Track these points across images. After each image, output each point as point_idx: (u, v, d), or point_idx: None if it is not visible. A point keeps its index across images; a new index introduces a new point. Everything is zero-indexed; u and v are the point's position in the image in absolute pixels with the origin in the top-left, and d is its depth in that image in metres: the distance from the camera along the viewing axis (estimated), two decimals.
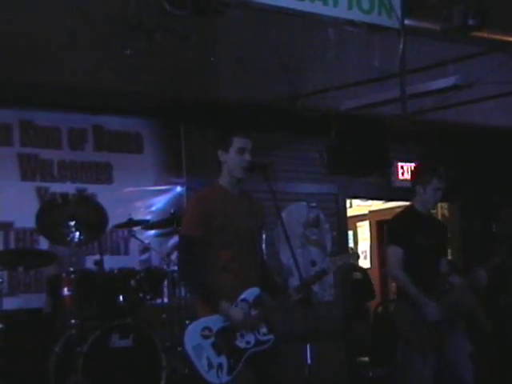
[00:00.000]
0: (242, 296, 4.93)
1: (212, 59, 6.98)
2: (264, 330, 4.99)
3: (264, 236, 6.26)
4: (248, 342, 4.92)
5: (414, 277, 6.10)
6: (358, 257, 5.45)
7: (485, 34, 7.36)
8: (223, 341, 4.85)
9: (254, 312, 4.93)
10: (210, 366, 4.81)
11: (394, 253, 6.24)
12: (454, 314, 6.19)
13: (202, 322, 4.92)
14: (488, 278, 6.15)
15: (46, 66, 6.85)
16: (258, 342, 4.94)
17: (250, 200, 5.20)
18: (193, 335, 4.87)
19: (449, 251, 10.09)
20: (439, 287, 6.18)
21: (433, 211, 6.56)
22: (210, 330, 4.86)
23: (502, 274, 8.34)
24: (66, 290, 6.62)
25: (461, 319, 6.32)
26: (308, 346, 4.93)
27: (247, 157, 5.04)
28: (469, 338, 6.45)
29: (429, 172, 6.43)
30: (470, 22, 6.30)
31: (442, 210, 10.83)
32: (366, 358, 9.20)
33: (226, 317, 4.85)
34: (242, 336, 4.91)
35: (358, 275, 10.68)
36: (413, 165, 9.88)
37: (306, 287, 4.94)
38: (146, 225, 7.56)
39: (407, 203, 6.52)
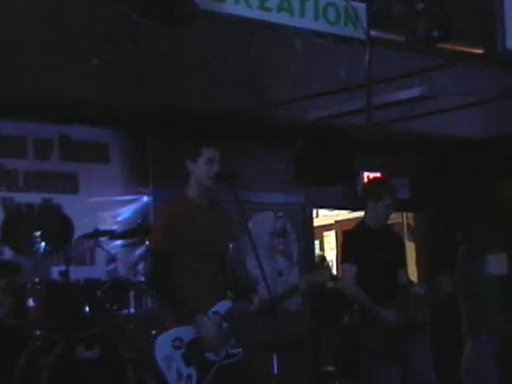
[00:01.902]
0: (214, 308, 4.93)
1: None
2: (234, 342, 5.00)
3: (231, 246, 6.26)
4: (218, 355, 4.92)
5: (371, 292, 6.13)
6: (331, 275, 5.46)
7: (449, 46, 7.44)
8: (194, 352, 4.85)
9: (225, 325, 4.94)
10: (179, 376, 4.81)
11: (348, 270, 6.27)
12: (415, 324, 6.23)
13: (173, 332, 4.91)
14: (452, 286, 6.21)
15: (13, 75, 6.81)
16: (227, 355, 4.95)
17: (218, 211, 5.21)
18: (163, 346, 4.87)
19: (413, 261, 10.22)
20: (399, 299, 6.21)
21: (397, 221, 6.60)
22: (181, 340, 4.86)
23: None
24: (30, 302, 6.57)
25: (424, 330, 6.36)
26: (275, 355, 4.93)
27: (215, 168, 5.06)
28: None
29: (381, 188, 6.44)
30: (435, 33, 6.36)
31: (407, 219, 10.90)
32: (333, 368, 9.21)
33: (199, 330, 4.85)
34: (221, 334, 4.90)
35: (330, 284, 10.72)
36: (378, 174, 9.94)
37: (275, 303, 4.95)
38: (113, 235, 7.53)
39: None
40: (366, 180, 9.86)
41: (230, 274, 5.23)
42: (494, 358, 7.33)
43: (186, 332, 4.88)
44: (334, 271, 12.68)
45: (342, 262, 6.40)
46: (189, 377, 4.82)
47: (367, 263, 6.19)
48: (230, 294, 5.20)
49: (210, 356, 4.89)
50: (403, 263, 6.63)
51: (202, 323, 4.83)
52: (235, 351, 4.98)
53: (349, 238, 6.54)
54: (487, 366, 7.31)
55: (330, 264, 12.86)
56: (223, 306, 4.98)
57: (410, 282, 6.61)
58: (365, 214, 6.43)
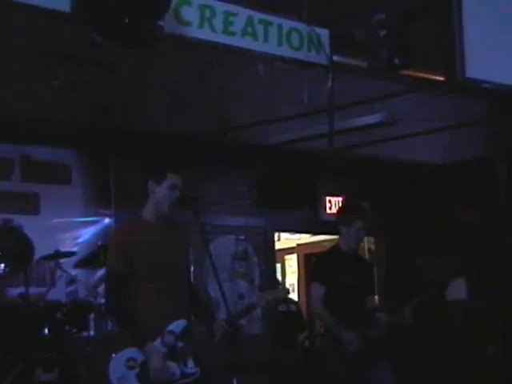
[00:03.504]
0: (170, 327, 4.93)
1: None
2: (190, 362, 4.98)
3: (192, 268, 6.26)
4: (173, 374, 4.91)
5: (337, 315, 6.18)
6: (288, 292, 5.49)
7: (410, 73, 7.52)
8: (148, 372, 4.83)
9: (180, 344, 4.93)
10: None
11: (316, 290, 6.33)
12: (377, 348, 6.28)
13: (127, 352, 4.90)
14: (413, 317, 6.27)
15: None
16: (183, 375, 4.93)
17: (175, 229, 5.20)
18: (117, 366, 4.85)
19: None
20: (365, 323, 6.25)
21: (358, 246, 6.66)
22: (134, 360, 4.85)
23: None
24: None
25: (384, 355, 6.40)
26: (235, 379, 4.93)
27: (177, 193, 5.08)
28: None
29: (352, 212, 6.52)
30: (396, 60, 6.43)
31: (368, 243, 10.97)
32: None
33: (148, 358, 4.84)
34: (167, 368, 4.89)
35: (292, 307, 10.74)
36: (340, 199, 10.00)
37: (233, 321, 4.95)
38: (73, 260, 7.47)
39: (335, 237, 6.60)
40: (327, 203, 9.93)
41: (192, 295, 5.23)
42: None
43: (139, 352, 4.87)
44: (296, 295, 12.73)
45: (311, 281, 6.45)
46: None
47: (337, 285, 6.24)
48: (191, 316, 5.20)
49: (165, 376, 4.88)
50: (372, 289, 6.70)
51: (149, 355, 4.83)
52: (192, 371, 4.97)
53: (320, 259, 6.63)
54: None
55: (291, 288, 12.87)
56: (178, 325, 4.97)
57: (377, 309, 6.67)
58: (339, 238, 6.50)
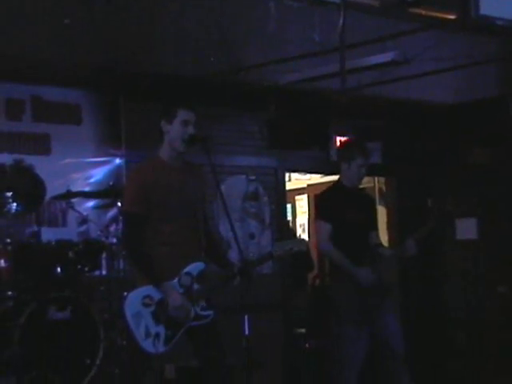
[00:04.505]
0: (187, 269, 4.96)
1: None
2: (204, 305, 5.03)
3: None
4: (187, 316, 4.95)
5: (343, 250, 6.20)
6: (306, 244, 5.50)
7: (423, 11, 7.44)
8: (163, 310, 4.88)
9: (196, 286, 4.97)
10: (148, 334, 4.85)
11: (323, 228, 6.35)
12: (383, 284, 6.32)
13: (144, 290, 4.95)
14: (417, 248, 6.28)
15: None
16: (196, 317, 4.98)
17: (192, 171, 5.21)
18: (133, 303, 4.90)
19: (385, 225, 10.29)
20: (368, 258, 6.28)
21: (369, 185, 6.67)
22: (151, 298, 4.90)
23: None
24: (2, 262, 6.56)
25: (390, 290, 6.45)
26: (246, 317, 4.97)
27: (190, 129, 5.06)
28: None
29: (353, 149, 6.52)
30: None
31: (379, 184, 10.96)
32: (303, 330, 9.30)
33: (165, 296, 4.87)
34: (187, 306, 4.93)
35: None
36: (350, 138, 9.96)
37: (249, 268, 4.98)
38: (85, 194, 7.52)
39: None
40: (338, 143, 9.89)
41: (208, 236, 5.25)
42: None
43: (156, 290, 4.91)
44: (306, 235, 12.77)
45: (316, 219, 6.46)
46: (157, 335, 4.86)
47: (340, 222, 6.26)
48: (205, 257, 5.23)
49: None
50: (375, 225, 6.71)
51: (168, 293, 4.86)
52: (205, 313, 5.01)
53: (324, 196, 6.62)
54: None
55: (302, 228, 12.92)
56: (196, 267, 5.00)
57: (380, 244, 6.69)
58: (340, 175, 6.50)
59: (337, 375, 6.44)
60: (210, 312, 5.04)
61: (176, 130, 5.06)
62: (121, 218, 6.76)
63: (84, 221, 7.73)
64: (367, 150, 6.56)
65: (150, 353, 4.89)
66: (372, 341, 6.32)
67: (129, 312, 4.88)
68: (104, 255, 7.18)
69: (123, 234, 5.29)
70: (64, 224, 7.88)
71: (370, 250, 6.39)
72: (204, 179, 5.27)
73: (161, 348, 4.89)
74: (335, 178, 6.77)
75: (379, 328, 6.29)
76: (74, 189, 7.36)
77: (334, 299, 6.38)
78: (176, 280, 4.93)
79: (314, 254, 10.36)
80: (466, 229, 6.69)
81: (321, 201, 6.68)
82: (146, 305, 4.89)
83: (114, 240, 7.17)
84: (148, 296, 4.90)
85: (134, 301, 4.90)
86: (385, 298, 6.33)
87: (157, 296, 4.90)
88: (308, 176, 12.31)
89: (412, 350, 6.50)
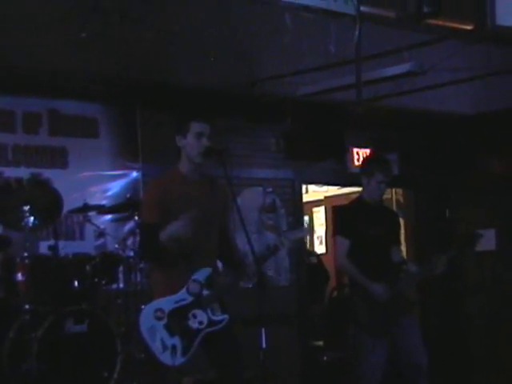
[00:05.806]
0: (194, 276, 4.97)
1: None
2: (218, 310, 5.02)
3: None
4: (201, 323, 4.95)
5: (363, 266, 6.17)
6: (309, 231, 5.50)
7: (440, 22, 7.42)
8: (175, 322, 4.88)
9: (206, 292, 4.97)
10: (164, 347, 4.85)
11: (341, 243, 6.32)
12: (405, 301, 6.28)
13: (155, 304, 4.96)
14: (446, 267, 6.24)
15: (1, 48, 6.77)
16: (211, 323, 4.97)
17: (212, 184, 5.21)
18: (146, 317, 4.91)
19: (402, 236, 10.24)
20: (391, 275, 6.24)
21: (387, 197, 6.63)
22: (162, 311, 4.91)
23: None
24: (19, 275, 6.57)
25: (412, 307, 6.41)
26: (263, 330, 4.95)
27: (205, 142, 5.06)
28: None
29: (372, 165, 6.48)
30: (425, 9, 6.36)
31: (396, 196, 10.92)
32: (321, 343, 9.26)
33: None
34: (195, 316, 4.93)
35: (313, 259, 10.76)
36: (368, 151, 9.94)
37: (259, 263, 4.98)
38: (102, 209, 7.52)
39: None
40: (355, 156, 9.88)
41: (230, 247, 5.27)
42: None
43: (166, 303, 4.92)
44: (324, 247, 12.74)
45: (335, 235, 6.44)
46: (173, 347, 4.85)
47: (361, 237, 6.23)
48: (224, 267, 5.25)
49: (193, 324, 4.92)
50: (398, 240, 6.67)
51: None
52: (219, 318, 5.01)
53: (344, 211, 6.60)
54: None
55: (319, 240, 12.88)
56: (202, 273, 5.01)
57: (404, 260, 6.64)
58: (362, 189, 6.48)
59: None
60: (225, 316, 5.04)
61: (191, 143, 5.07)
62: (138, 230, 6.76)
63: (101, 234, 7.74)
64: (388, 165, 6.51)
65: (169, 366, 4.88)
66: (393, 353, 6.28)
67: (143, 327, 4.88)
68: (121, 268, 7.18)
69: (140, 243, 5.30)
70: (81, 237, 7.90)
71: (392, 265, 6.35)
72: (225, 191, 5.27)
73: (179, 359, 4.88)
74: (352, 189, 6.77)
75: (401, 341, 6.25)
76: (91, 202, 7.37)
77: (354, 311, 6.35)
78: (184, 289, 4.95)
79: (330, 267, 10.34)
80: (485, 240, 6.64)
81: (341, 216, 6.66)
82: (158, 318, 4.89)
83: (131, 253, 7.18)
84: (159, 309, 4.91)
85: (147, 315, 4.91)
86: (407, 313, 6.30)
87: (167, 308, 4.91)
88: (325, 188, 12.29)
89: (433, 364, 6.43)
